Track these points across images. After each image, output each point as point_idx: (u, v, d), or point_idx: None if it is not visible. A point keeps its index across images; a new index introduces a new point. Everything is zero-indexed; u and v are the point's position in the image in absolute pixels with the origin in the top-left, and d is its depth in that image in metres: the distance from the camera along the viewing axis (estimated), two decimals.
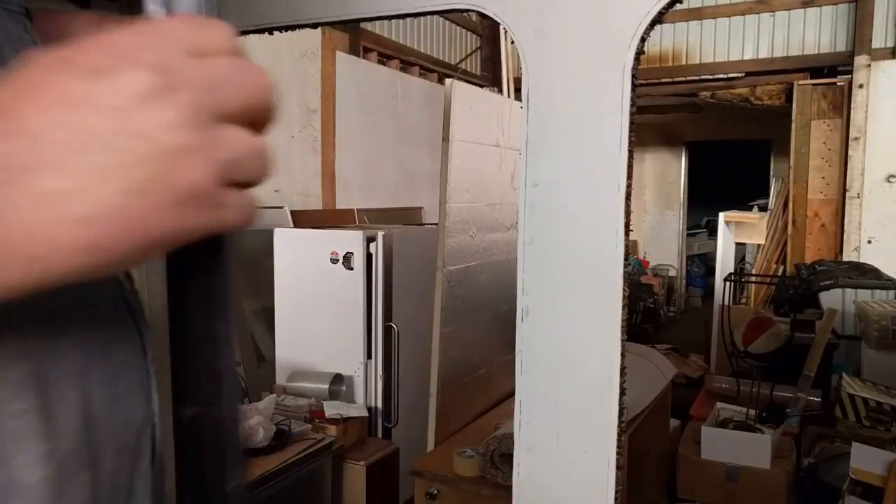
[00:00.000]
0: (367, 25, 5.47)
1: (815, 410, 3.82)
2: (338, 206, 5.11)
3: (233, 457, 0.47)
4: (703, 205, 10.64)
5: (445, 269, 2.82)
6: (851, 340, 4.27)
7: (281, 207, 4.39)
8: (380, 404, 3.28)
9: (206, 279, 0.43)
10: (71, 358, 0.48)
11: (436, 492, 2.47)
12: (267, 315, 3.64)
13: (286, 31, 1.18)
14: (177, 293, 0.44)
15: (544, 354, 1.01)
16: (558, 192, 0.98)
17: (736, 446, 3.30)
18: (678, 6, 0.93)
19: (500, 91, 6.33)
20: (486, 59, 7.18)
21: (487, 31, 7.07)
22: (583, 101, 0.95)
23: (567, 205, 0.97)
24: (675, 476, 3.49)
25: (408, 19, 5.87)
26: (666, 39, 6.91)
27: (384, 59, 5.80)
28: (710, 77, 6.94)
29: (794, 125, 6.39)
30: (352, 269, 3.23)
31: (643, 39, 0.91)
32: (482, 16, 1.01)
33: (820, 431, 3.56)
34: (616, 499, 0.97)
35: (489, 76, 7.09)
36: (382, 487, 2.98)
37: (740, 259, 7.68)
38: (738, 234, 6.20)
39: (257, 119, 0.39)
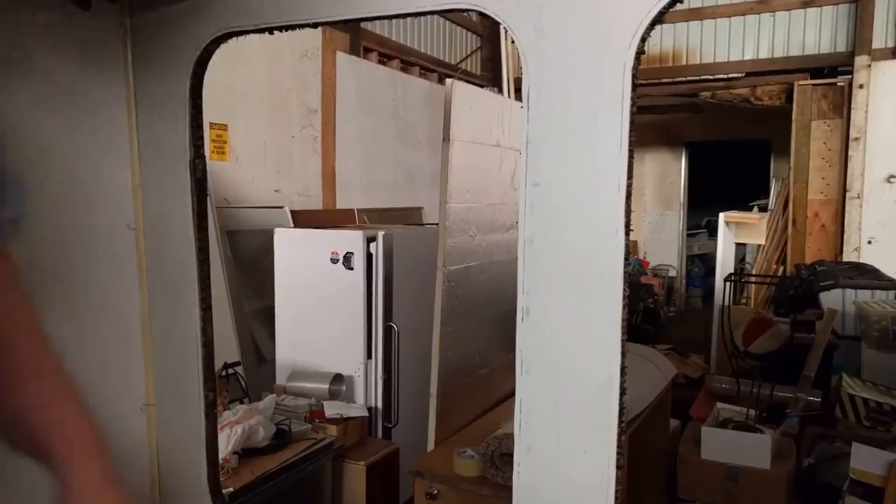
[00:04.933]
0: (368, 25, 5.47)
1: (815, 410, 3.81)
2: (338, 206, 5.11)
3: None
4: (703, 205, 10.62)
5: (446, 269, 2.82)
6: (851, 340, 4.26)
7: (281, 207, 4.39)
8: (380, 404, 3.28)
9: None
10: None
11: (436, 492, 2.47)
12: (267, 315, 3.64)
13: (286, 31, 1.18)
14: None
15: (544, 354, 1.01)
16: (558, 192, 0.98)
17: (736, 446, 3.30)
18: (678, 6, 0.94)
19: (500, 91, 6.34)
20: (486, 59, 7.18)
21: (487, 31, 7.07)
22: (583, 102, 0.95)
23: (567, 205, 0.97)
24: (675, 476, 3.49)
25: (408, 19, 5.88)
26: (666, 39, 6.91)
27: (384, 59, 5.80)
28: (711, 77, 6.94)
29: (794, 125, 6.39)
30: (352, 269, 3.23)
31: (643, 39, 0.91)
32: (482, 16, 1.01)
33: (820, 431, 3.55)
34: (616, 499, 0.97)
35: (489, 76, 7.08)
36: (382, 487, 2.97)
37: (740, 259, 7.68)
38: (738, 234, 6.20)
39: None
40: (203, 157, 1.36)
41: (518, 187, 1.00)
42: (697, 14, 6.79)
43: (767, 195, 7.76)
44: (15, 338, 0.77)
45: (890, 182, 6.00)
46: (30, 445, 0.77)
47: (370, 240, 3.24)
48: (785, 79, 6.54)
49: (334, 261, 3.26)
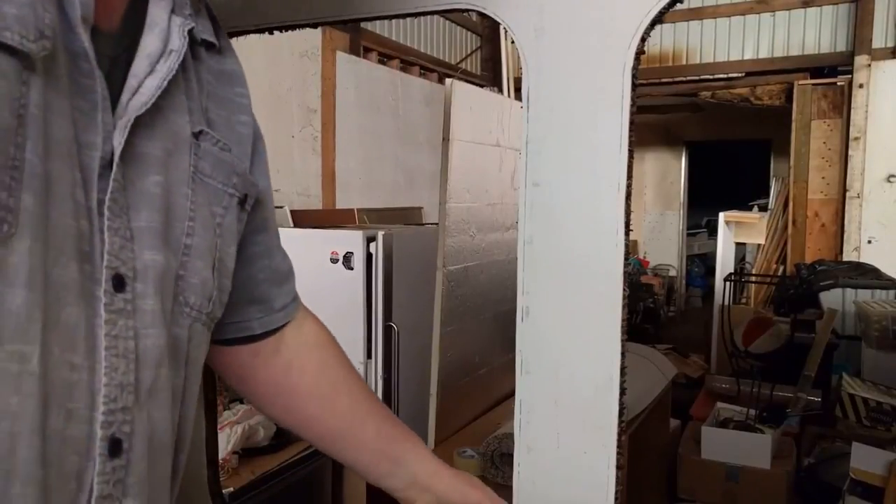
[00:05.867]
0: (367, 25, 5.47)
1: (815, 410, 3.81)
2: (338, 206, 5.11)
3: None
4: (703, 205, 10.63)
5: (445, 269, 2.82)
6: (851, 340, 4.26)
7: (281, 207, 4.39)
8: None
9: None
10: None
11: None
12: None
13: (286, 31, 1.18)
14: None
15: (544, 354, 1.00)
16: (558, 192, 0.98)
17: (736, 446, 3.30)
18: (678, 6, 0.93)
19: (500, 91, 6.33)
20: (486, 59, 7.18)
21: (487, 31, 7.07)
22: (583, 101, 0.95)
23: (567, 205, 0.97)
24: (675, 476, 3.49)
25: (408, 19, 5.88)
26: (666, 39, 6.91)
27: (384, 59, 5.80)
28: (711, 77, 6.94)
29: (794, 125, 6.39)
30: (352, 269, 3.23)
31: (643, 39, 0.91)
32: (482, 16, 1.01)
33: (820, 431, 3.56)
34: (616, 499, 0.97)
35: (489, 76, 7.09)
36: None
37: (740, 259, 7.68)
38: (738, 234, 6.20)
39: None
40: None
41: (518, 187, 1.00)
42: (697, 14, 6.79)
43: (767, 195, 7.76)
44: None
45: (890, 182, 6.00)
46: (382, 460, 0.96)
47: (370, 240, 3.24)
48: (785, 78, 6.54)
49: (334, 261, 3.26)
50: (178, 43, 0.65)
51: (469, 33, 7.04)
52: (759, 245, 6.93)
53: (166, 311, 0.65)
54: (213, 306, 0.74)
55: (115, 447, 0.58)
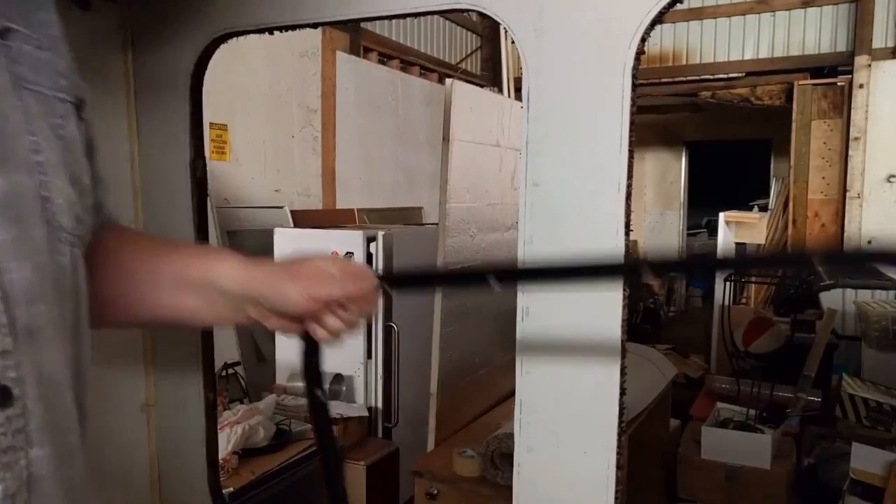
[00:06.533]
0: (367, 25, 5.47)
1: (815, 410, 3.81)
2: (338, 206, 5.11)
3: None
4: (703, 205, 10.62)
5: (446, 268, 2.82)
6: (851, 340, 4.27)
7: (281, 207, 4.39)
8: (380, 404, 3.28)
9: None
10: None
11: (436, 492, 2.47)
12: None
13: (286, 31, 1.18)
14: None
15: (544, 354, 1.01)
16: (558, 192, 0.98)
17: (736, 446, 3.30)
18: (678, 6, 0.94)
19: (500, 91, 6.33)
20: (486, 59, 7.18)
21: (487, 31, 7.06)
22: (583, 101, 0.95)
23: (567, 205, 0.97)
24: (675, 476, 3.49)
25: (408, 19, 5.88)
26: (666, 39, 6.90)
27: (384, 59, 5.80)
28: (711, 77, 6.93)
29: (794, 125, 6.38)
30: None
31: (643, 39, 0.91)
32: (482, 16, 1.01)
33: (820, 431, 3.56)
34: (616, 499, 0.97)
35: (489, 76, 7.08)
36: (382, 487, 2.97)
37: None
38: (738, 234, 6.20)
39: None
40: (203, 157, 1.36)
41: (518, 187, 1.00)
42: (697, 14, 6.78)
43: (767, 195, 7.76)
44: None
45: (890, 182, 6.00)
46: (187, 290, 0.89)
47: (370, 240, 3.24)
48: (785, 78, 6.54)
49: None
50: None
51: (469, 33, 7.03)
52: (759, 245, 6.92)
53: (35, 240, 0.58)
54: (83, 228, 0.67)
55: (4, 396, 0.54)
